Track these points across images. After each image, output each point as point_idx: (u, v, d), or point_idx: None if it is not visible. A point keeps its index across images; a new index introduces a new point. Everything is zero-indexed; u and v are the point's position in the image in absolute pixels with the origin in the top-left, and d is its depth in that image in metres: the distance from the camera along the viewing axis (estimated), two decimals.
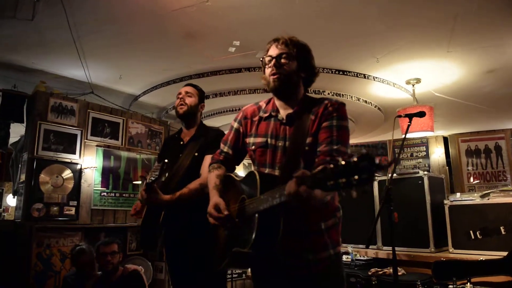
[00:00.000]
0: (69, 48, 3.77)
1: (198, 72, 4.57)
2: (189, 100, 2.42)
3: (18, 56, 4.14)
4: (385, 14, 3.36)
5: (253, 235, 1.32)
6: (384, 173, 3.68)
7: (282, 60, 1.56)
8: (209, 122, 5.80)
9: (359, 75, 4.60)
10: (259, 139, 1.62)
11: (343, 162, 0.95)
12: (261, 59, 1.64)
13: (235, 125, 1.75)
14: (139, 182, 5.02)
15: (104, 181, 4.75)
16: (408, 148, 7.34)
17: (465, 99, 5.37)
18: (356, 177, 0.93)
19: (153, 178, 2.14)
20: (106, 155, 4.81)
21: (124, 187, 4.94)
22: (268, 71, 1.59)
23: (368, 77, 4.67)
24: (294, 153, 1.51)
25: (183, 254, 2.28)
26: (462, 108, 5.75)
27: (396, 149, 6.92)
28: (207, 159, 2.28)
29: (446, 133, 7.14)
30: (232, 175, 1.68)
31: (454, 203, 3.22)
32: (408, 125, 2.86)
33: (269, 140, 1.59)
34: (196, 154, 2.32)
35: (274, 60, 1.57)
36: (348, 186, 0.95)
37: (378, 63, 4.28)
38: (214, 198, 1.55)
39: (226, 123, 5.91)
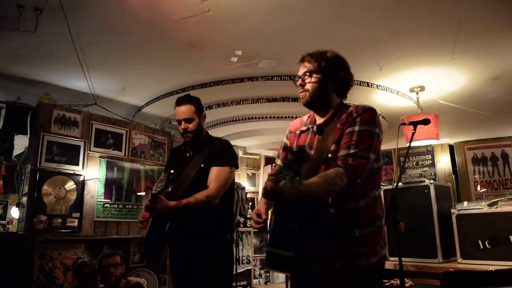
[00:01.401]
0: (72, 59, 3.79)
1: (200, 82, 4.57)
2: (192, 126, 2.33)
3: (21, 68, 4.16)
4: (388, 22, 3.35)
5: (270, 233, 1.45)
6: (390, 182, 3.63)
7: (305, 78, 1.66)
8: (213, 132, 5.73)
9: (362, 83, 4.58)
10: None
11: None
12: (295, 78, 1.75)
13: (284, 139, 1.86)
14: (143, 193, 4.99)
15: (107, 193, 4.73)
16: (414, 157, 7.27)
17: (470, 107, 5.33)
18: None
19: (159, 189, 2.12)
20: (109, 166, 4.79)
21: (127, 198, 4.91)
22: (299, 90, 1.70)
23: (371, 85, 4.64)
24: (316, 161, 1.55)
25: (188, 266, 2.24)
26: (467, 115, 5.70)
27: (401, 158, 6.86)
28: (214, 170, 2.26)
29: (451, 141, 7.06)
30: None
31: (462, 212, 3.16)
32: (413, 133, 2.82)
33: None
34: (202, 165, 2.29)
35: (300, 79, 1.68)
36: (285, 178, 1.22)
37: (381, 71, 4.26)
38: (258, 205, 1.69)
39: (230, 133, 5.90)
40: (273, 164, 1.92)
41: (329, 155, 1.52)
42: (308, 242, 1.48)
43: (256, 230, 1.66)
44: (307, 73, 1.65)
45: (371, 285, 1.54)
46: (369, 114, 1.56)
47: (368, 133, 1.51)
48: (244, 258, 6.21)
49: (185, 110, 2.35)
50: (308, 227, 1.46)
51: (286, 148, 1.79)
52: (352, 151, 1.47)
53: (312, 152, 1.60)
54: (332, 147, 1.54)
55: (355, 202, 1.52)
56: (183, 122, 2.35)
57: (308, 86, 1.64)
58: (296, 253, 1.37)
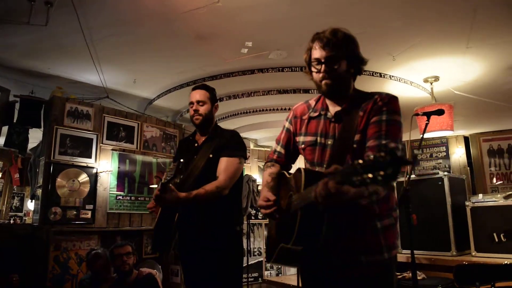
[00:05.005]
0: (84, 53, 3.81)
1: (211, 75, 4.56)
2: (203, 109, 2.37)
3: (34, 62, 4.21)
4: (401, 10, 3.27)
5: (295, 231, 1.33)
6: (402, 175, 3.57)
7: (333, 65, 1.49)
8: (224, 125, 5.77)
9: (375, 74, 4.50)
10: (309, 138, 1.61)
11: (371, 157, 0.93)
12: (304, 57, 1.58)
13: (286, 124, 1.75)
14: (155, 186, 5.03)
15: (120, 185, 4.78)
16: (428, 149, 7.16)
17: (486, 97, 5.20)
18: (381, 172, 0.91)
19: (168, 178, 2.12)
20: (122, 159, 4.84)
21: (139, 190, 4.95)
22: (317, 76, 1.52)
23: (384, 75, 4.57)
24: (340, 150, 1.48)
25: (198, 257, 2.25)
26: (483, 106, 5.58)
27: (414, 150, 6.75)
28: (223, 161, 2.26)
29: (466, 132, 6.93)
30: (285, 172, 1.67)
31: (476, 204, 3.10)
32: (426, 124, 2.77)
33: (318, 138, 1.57)
34: (211, 156, 2.29)
35: (323, 65, 1.49)
36: (374, 182, 0.93)
37: (394, 61, 4.18)
38: (263, 193, 1.60)
39: (240, 125, 5.89)
40: (273, 151, 1.80)
41: (354, 145, 1.45)
42: (332, 236, 1.40)
43: (268, 214, 1.54)
44: (336, 57, 1.48)
45: (392, 279, 1.51)
46: (395, 102, 1.50)
47: (396, 123, 1.46)
48: (255, 250, 6.22)
49: (199, 93, 2.41)
50: (333, 221, 1.38)
51: (290, 133, 1.72)
52: (384, 141, 1.39)
53: (330, 141, 1.53)
54: (357, 137, 1.46)
55: None
56: (195, 104, 2.38)
57: (335, 74, 1.49)
58: (296, 246, 1.34)
